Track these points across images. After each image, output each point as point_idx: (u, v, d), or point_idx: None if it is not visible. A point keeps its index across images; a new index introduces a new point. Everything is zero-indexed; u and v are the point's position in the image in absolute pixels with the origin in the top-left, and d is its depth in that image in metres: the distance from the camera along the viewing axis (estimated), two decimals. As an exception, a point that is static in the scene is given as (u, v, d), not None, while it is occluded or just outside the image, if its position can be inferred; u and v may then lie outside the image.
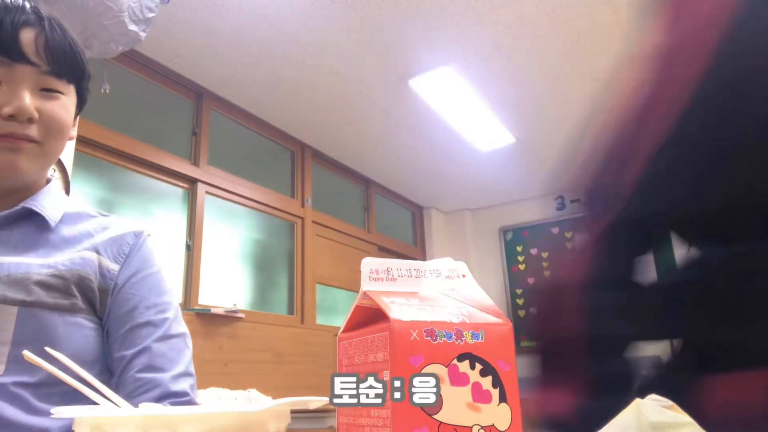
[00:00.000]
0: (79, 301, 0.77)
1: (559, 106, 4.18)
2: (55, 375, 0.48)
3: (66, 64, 0.77)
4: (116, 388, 0.51)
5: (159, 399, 0.78)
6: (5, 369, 0.71)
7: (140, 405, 0.45)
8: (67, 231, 0.82)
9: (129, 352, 0.79)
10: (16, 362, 0.71)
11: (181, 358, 0.82)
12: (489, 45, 3.40)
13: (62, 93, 0.78)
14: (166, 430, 0.38)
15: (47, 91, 0.76)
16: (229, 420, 0.39)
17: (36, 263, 0.75)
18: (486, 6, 3.05)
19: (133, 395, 0.77)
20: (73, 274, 0.77)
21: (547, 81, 3.83)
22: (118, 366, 0.79)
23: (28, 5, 0.74)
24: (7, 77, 0.72)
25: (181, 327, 0.86)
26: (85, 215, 0.87)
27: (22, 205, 0.79)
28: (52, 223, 0.80)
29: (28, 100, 0.72)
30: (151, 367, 0.78)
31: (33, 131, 0.74)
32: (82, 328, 0.77)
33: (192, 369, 0.84)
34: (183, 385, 0.80)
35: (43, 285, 0.74)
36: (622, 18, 3.20)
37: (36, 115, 0.73)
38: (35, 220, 0.80)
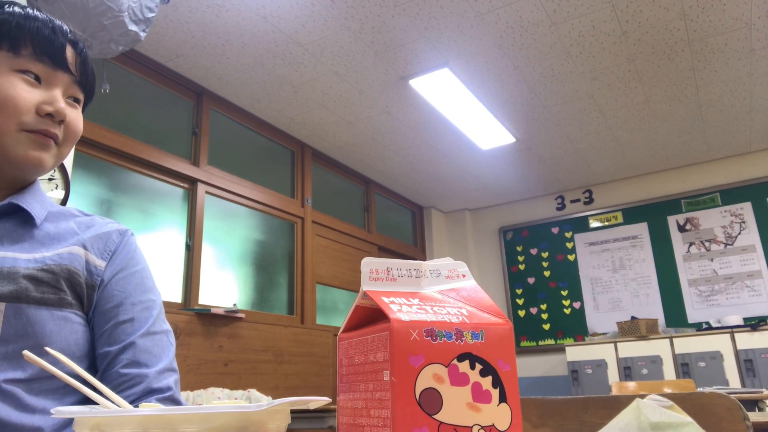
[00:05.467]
0: (68, 296, 0.77)
1: (559, 106, 4.18)
2: (57, 376, 0.48)
3: (88, 80, 0.86)
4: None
5: (143, 394, 0.78)
6: None
7: (140, 405, 0.45)
8: (51, 228, 0.83)
9: (114, 348, 0.80)
10: (6, 359, 0.71)
11: (165, 353, 0.83)
12: (489, 45, 3.40)
13: (79, 104, 0.86)
14: (166, 430, 0.38)
15: (71, 99, 0.84)
16: (229, 420, 0.39)
17: (23, 258, 0.76)
18: (486, 6, 3.05)
19: (117, 390, 0.77)
20: (62, 268, 0.77)
21: (547, 81, 3.83)
22: (102, 361, 0.80)
23: (68, 29, 0.84)
24: (47, 78, 0.80)
25: (165, 324, 0.87)
26: (69, 214, 0.88)
27: (8, 200, 0.80)
28: (38, 220, 0.81)
29: (63, 103, 0.80)
30: (135, 363, 0.79)
31: (60, 133, 0.80)
32: (70, 323, 0.77)
33: (175, 365, 0.85)
34: (167, 380, 0.81)
35: (31, 279, 0.74)
36: (622, 18, 3.20)
37: (67, 118, 0.81)
38: (21, 216, 0.81)
